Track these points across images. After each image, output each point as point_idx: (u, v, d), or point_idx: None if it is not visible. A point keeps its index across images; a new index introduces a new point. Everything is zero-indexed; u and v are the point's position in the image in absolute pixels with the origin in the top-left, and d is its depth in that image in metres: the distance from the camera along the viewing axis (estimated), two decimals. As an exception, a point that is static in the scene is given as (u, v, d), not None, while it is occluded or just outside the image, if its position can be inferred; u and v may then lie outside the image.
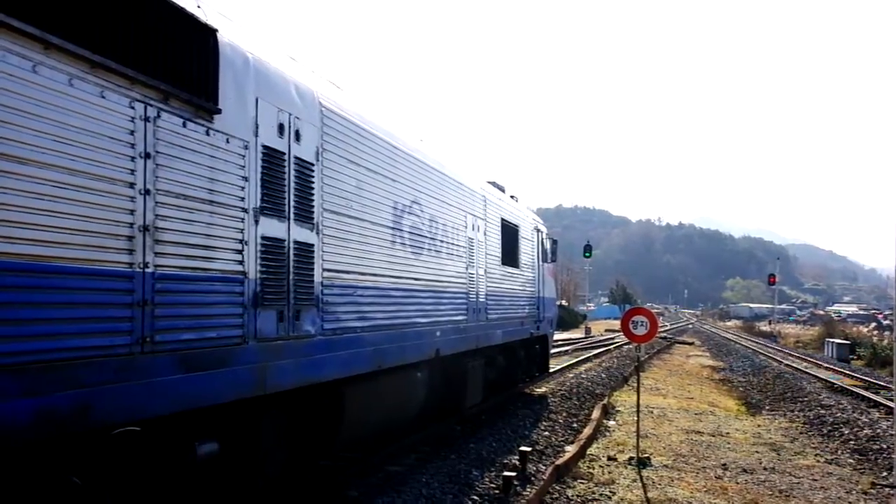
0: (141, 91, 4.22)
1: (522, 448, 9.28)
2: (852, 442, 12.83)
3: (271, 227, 5.54)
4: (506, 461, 9.27)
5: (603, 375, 20.55)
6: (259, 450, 5.82)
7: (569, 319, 58.45)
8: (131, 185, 4.13)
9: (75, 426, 3.72)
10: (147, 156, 4.25)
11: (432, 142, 10.06)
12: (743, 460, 10.76)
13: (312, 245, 6.16)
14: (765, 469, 10.26)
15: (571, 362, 23.94)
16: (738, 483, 9.34)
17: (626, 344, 32.44)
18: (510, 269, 13.29)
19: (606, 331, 53.23)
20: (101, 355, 3.88)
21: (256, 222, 5.35)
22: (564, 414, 13.75)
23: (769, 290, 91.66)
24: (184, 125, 4.60)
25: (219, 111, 4.92)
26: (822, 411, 16.14)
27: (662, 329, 54.50)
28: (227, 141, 5.04)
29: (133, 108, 4.17)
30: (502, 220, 12.89)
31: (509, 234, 13.34)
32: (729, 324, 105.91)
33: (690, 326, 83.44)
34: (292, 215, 5.84)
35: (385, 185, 7.71)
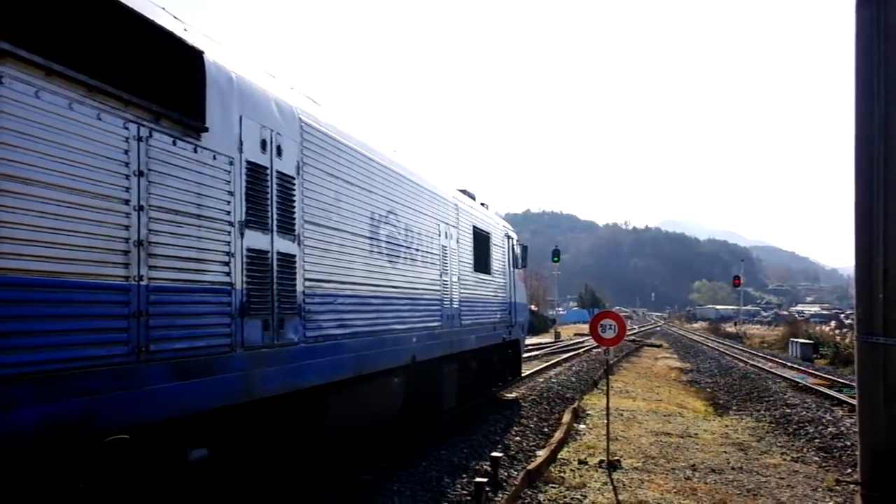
0: (134, 112, 4.44)
1: (494, 454, 9.23)
2: (817, 440, 13.06)
3: (256, 240, 5.76)
4: (477, 467, 9.29)
5: (573, 379, 20.71)
6: (244, 455, 6.00)
7: (538, 324, 58.87)
8: (126, 202, 4.34)
9: (79, 432, 3.91)
10: (140, 173, 4.46)
11: (405, 151, 10.33)
12: (711, 461, 10.96)
13: (294, 256, 6.38)
14: (733, 469, 10.44)
15: (541, 367, 24.04)
16: (707, 483, 9.50)
17: (595, 348, 32.62)
18: (482, 276, 13.58)
19: (576, 335, 53.59)
20: (101, 364, 4.08)
21: (242, 235, 5.56)
22: (535, 418, 13.87)
23: (734, 291, 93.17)
24: (174, 143, 4.81)
25: (206, 129, 5.14)
26: (788, 410, 16.38)
27: (630, 332, 55.08)
28: (214, 158, 5.26)
29: (127, 128, 4.38)
30: (474, 227, 13.18)
31: (481, 241, 13.63)
32: (696, 325, 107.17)
33: (658, 329, 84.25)
34: (275, 227, 6.06)
35: (362, 196, 7.96)
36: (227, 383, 5.28)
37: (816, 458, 11.63)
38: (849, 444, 12.17)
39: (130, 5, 4.46)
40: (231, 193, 5.45)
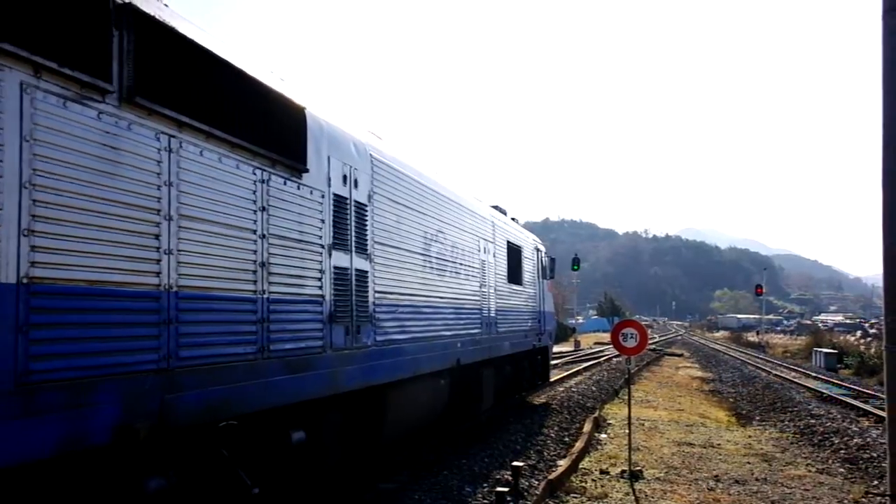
0: (260, 161, 5.59)
1: (515, 463, 9.09)
2: (843, 451, 12.96)
3: (339, 259, 6.90)
4: (498, 476, 9.37)
5: (594, 388, 20.95)
6: (323, 442, 7.06)
7: (558, 333, 59.40)
8: (254, 232, 5.48)
9: (222, 413, 5.04)
10: (263, 209, 5.61)
11: (447, 173, 11.43)
12: (735, 471, 10.89)
13: (367, 272, 7.51)
14: (757, 480, 10.39)
15: (562, 376, 24.19)
16: (730, 495, 9.46)
17: (615, 357, 32.78)
18: (515, 287, 14.66)
19: (595, 344, 53.64)
20: (237, 360, 5.21)
21: (330, 255, 6.70)
22: (556, 428, 13.99)
23: (756, 300, 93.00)
24: (284, 183, 5.96)
25: (307, 170, 6.30)
26: (812, 421, 16.33)
27: (651, 341, 55.16)
28: (311, 192, 6.41)
29: (255, 174, 5.53)
30: (507, 241, 14.27)
31: (514, 254, 14.73)
32: (717, 335, 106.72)
33: (679, 338, 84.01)
34: (353, 248, 7.20)
35: (417, 218, 9.10)
36: (320, 378, 6.41)
37: (842, 470, 11.58)
38: (875, 455, 12.17)
39: (259, 78, 5.63)
40: (322, 221, 6.59)
